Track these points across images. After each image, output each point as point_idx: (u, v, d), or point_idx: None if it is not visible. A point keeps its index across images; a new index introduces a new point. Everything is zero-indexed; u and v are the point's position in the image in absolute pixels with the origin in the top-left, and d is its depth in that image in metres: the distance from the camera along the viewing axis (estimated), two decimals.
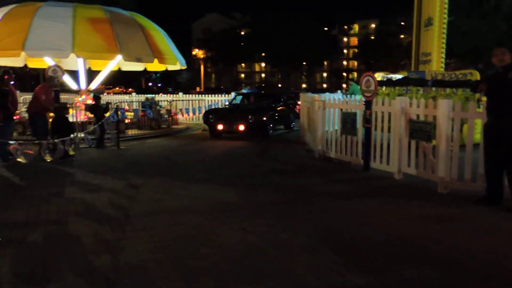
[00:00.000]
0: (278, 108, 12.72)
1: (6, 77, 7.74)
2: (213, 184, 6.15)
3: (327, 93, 13.79)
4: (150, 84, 59.25)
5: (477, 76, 8.66)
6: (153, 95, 15.48)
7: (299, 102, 18.22)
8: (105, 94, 24.07)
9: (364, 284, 2.97)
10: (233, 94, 16.53)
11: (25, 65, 14.27)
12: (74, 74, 13.00)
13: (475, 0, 21.08)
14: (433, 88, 9.11)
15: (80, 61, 12.09)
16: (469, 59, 22.46)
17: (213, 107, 14.84)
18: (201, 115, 13.90)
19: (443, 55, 10.16)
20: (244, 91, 18.84)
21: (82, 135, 8.97)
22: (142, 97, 16.43)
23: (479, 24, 20.37)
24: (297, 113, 15.75)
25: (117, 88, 41.01)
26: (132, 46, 11.47)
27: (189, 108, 14.76)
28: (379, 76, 10.29)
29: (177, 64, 13.32)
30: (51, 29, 10.61)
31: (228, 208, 4.87)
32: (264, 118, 11.13)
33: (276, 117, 12.17)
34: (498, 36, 19.76)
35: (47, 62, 11.66)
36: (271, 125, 11.60)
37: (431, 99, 6.14)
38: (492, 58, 4.71)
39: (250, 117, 10.86)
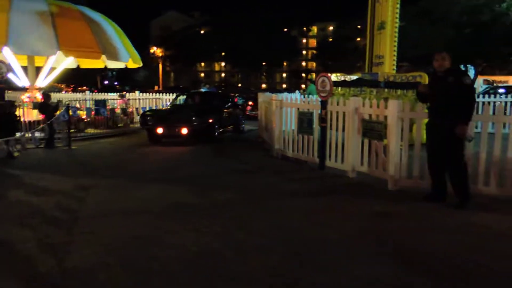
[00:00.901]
0: (226, 110, 11.70)
1: None
2: (168, 184, 6.04)
3: (285, 93, 13.93)
4: (106, 82, 57.41)
5: (425, 78, 9.03)
6: (123, 93, 14.87)
7: (250, 103, 18.25)
8: (64, 92, 23.05)
9: (319, 282, 3.01)
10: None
11: None
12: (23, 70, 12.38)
13: (425, 8, 22.08)
14: (386, 90, 9.43)
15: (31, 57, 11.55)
16: (420, 63, 23.49)
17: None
18: None
19: (395, 58, 10.53)
20: (203, 90, 18.61)
21: (29, 134, 8.54)
22: (107, 96, 15.70)
23: (429, 31, 21.33)
24: (247, 114, 15.72)
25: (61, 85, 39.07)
26: (76, 41, 11.04)
27: (145, 107, 14.42)
28: (336, 77, 10.52)
29: (129, 61, 12.96)
30: (33, 25, 10.40)
31: (182, 208, 4.79)
32: (211, 121, 10.08)
33: (224, 119, 11.15)
34: (447, 42, 20.78)
35: None
36: (218, 128, 10.52)
37: (382, 100, 6.34)
38: (433, 62, 4.90)
39: (194, 119, 9.74)
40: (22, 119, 9.36)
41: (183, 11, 73.26)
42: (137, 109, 14.21)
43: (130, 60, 12.72)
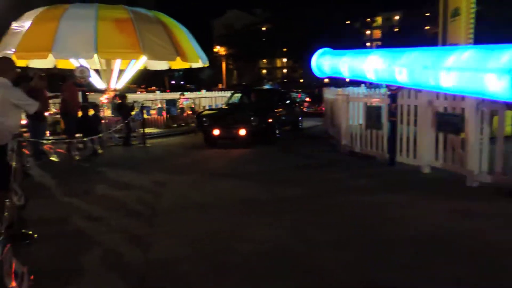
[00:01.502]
0: (285, 108, 10.97)
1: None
2: (238, 180, 6.21)
3: (351, 87, 13.62)
4: (172, 82, 59.89)
5: None
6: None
7: (307, 99, 18.14)
8: (138, 93, 24.32)
9: (393, 280, 2.95)
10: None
11: (55, 66, 14.67)
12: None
13: None
14: None
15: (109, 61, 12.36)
16: None
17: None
18: None
19: None
20: (266, 87, 18.74)
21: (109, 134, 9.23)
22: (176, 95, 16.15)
23: (510, 13, 19.65)
24: (304, 111, 15.43)
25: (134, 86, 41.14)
26: (155, 46, 11.59)
27: (211, 105, 14.89)
28: None
29: (199, 61, 13.41)
30: (76, 31, 10.86)
31: (254, 203, 4.90)
32: (270, 120, 9.37)
33: (283, 118, 10.52)
34: None
35: (73, 63, 11.97)
36: (277, 128, 9.87)
37: None
38: None
39: (253, 119, 8.98)
40: (102, 119, 10.09)
41: (245, 9, 74.12)
42: (203, 106, 14.72)
43: (178, 59, 12.31)
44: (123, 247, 3.69)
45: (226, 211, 4.65)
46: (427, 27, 43.47)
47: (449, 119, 5.74)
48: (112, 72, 12.93)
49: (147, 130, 10.68)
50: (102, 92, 13.33)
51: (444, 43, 10.51)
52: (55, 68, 13.38)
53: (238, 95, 11.95)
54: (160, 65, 14.32)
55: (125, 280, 3.08)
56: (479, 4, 11.58)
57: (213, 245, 3.65)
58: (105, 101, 12.35)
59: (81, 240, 3.89)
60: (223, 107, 11.07)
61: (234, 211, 4.62)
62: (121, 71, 13.23)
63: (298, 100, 15.73)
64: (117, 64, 12.69)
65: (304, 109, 16.16)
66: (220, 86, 49.97)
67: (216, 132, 9.17)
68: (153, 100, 14.44)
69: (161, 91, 23.68)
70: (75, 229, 4.18)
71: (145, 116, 11.14)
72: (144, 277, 3.11)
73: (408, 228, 3.95)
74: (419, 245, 3.55)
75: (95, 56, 11.01)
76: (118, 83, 13.36)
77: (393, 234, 3.81)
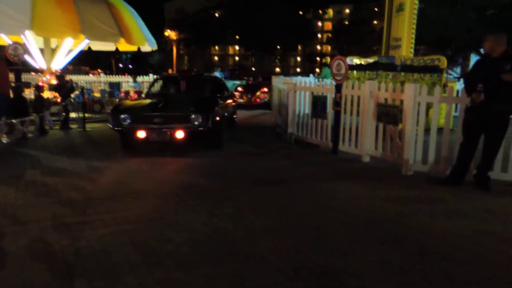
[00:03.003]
0: (224, 100, 8.48)
1: None
2: (178, 165, 6.07)
3: (299, 77, 13.78)
4: (120, 65, 57.67)
5: (444, 62, 8.82)
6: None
7: (239, 89, 16.59)
8: (91, 75, 23.05)
9: (327, 265, 3.00)
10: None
11: None
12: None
13: None
14: (402, 73, 9.24)
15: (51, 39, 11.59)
16: (437, 46, 22.91)
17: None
18: None
19: (413, 41, 10.28)
20: (216, 73, 18.39)
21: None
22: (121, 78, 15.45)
23: (449, 13, 20.71)
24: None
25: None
26: (96, 25, 10.98)
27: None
28: (351, 60, 10.34)
29: (145, 44, 12.94)
30: (7, 3, 10.04)
31: (194, 190, 4.80)
32: (217, 119, 7.01)
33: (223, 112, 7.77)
34: (467, 25, 20.17)
35: (4, 39, 11.11)
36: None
37: (399, 84, 6.22)
38: (485, 44, 4.68)
39: (194, 116, 6.64)
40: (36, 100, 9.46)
41: None
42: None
43: (122, 40, 11.87)
44: (52, 235, 3.48)
45: (164, 198, 4.52)
46: (375, 22, 44.95)
47: (389, 110, 5.94)
48: (58, 51, 12.17)
49: (88, 114, 10.17)
50: (40, 72, 12.53)
51: (388, 37, 10.89)
52: None
53: (165, 83, 9.21)
54: (105, 46, 13.65)
55: (52, 270, 2.90)
56: (421, 1, 12.10)
57: (148, 234, 3.53)
58: (45, 82, 11.61)
59: (5, 228, 3.62)
60: (145, 100, 7.95)
61: (172, 199, 4.49)
62: (61, 50, 12.49)
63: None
64: (65, 44, 11.95)
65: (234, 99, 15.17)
66: (170, 71, 48.80)
67: (141, 134, 6.61)
68: (96, 82, 13.77)
69: (107, 74, 22.63)
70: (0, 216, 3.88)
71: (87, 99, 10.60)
72: (73, 267, 2.94)
73: (345, 214, 4.04)
74: (354, 230, 3.64)
75: (29, 32, 10.26)
76: (59, 63, 12.61)
77: (331, 220, 3.88)
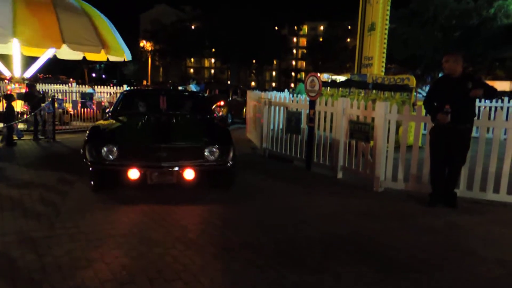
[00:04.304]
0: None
1: None
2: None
3: (274, 92, 13.90)
4: (93, 75, 56.72)
5: (413, 81, 9.13)
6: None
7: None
8: (70, 84, 22.45)
9: (301, 281, 3.02)
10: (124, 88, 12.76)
11: None
12: (6, 59, 12.14)
13: (414, 11, 22.31)
14: (374, 91, 9.50)
15: (16, 46, 11.27)
16: (408, 65, 23.72)
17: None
18: None
19: (384, 60, 10.62)
20: (192, 86, 18.16)
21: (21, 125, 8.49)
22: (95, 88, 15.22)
23: (418, 33, 21.56)
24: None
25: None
26: (77, 35, 10.85)
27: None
28: (324, 77, 10.56)
29: (123, 56, 12.82)
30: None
31: (163, 201, 4.74)
32: (231, 153, 5.19)
33: None
34: (435, 44, 21.03)
35: None
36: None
37: (370, 101, 6.38)
38: (444, 64, 4.80)
39: (211, 149, 5.04)
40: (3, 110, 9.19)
41: (174, 5, 72.74)
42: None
43: (103, 52, 11.86)
44: (16, 250, 3.35)
45: (134, 211, 4.44)
46: (348, 39, 46.15)
47: (361, 127, 6.09)
48: (19, 59, 11.86)
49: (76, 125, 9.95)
50: (8, 80, 12.16)
51: (361, 55, 11.20)
52: None
53: (139, 98, 6.80)
54: (73, 55, 13.39)
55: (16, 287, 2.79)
56: (392, 21, 12.54)
57: (118, 249, 3.46)
58: (16, 90, 11.27)
59: None
60: (121, 119, 5.96)
61: (143, 210, 4.43)
62: (31, 58, 12.20)
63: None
64: (17, 49, 11.66)
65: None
66: (144, 82, 48.37)
67: (133, 174, 4.79)
68: (68, 92, 13.47)
69: (79, 84, 22.18)
70: None
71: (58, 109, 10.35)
72: (39, 284, 2.84)
73: (317, 230, 4.09)
74: (327, 246, 3.68)
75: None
76: (27, 71, 12.29)
77: (303, 236, 3.91)
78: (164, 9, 72.48)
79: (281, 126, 8.01)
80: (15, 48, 11.46)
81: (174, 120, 6.00)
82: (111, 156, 4.85)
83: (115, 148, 4.85)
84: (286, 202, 5.05)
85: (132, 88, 13.38)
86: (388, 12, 10.31)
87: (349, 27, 45.71)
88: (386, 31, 10.40)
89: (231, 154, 5.15)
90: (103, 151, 4.84)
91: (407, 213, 4.77)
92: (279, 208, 4.78)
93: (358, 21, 11.34)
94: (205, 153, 5.02)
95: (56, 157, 7.62)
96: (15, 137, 8.63)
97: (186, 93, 8.54)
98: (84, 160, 4.95)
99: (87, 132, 5.28)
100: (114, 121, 5.79)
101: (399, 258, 3.48)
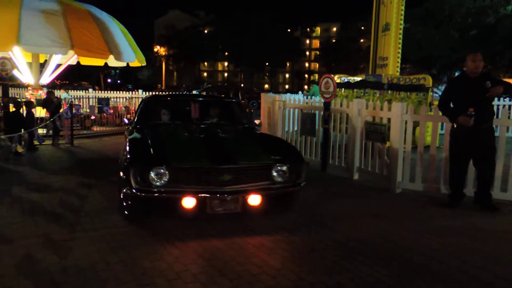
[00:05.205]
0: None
1: None
2: None
3: (288, 94, 13.91)
4: (109, 80, 57.59)
5: (430, 81, 9.03)
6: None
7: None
8: (91, 90, 22.80)
9: (318, 282, 3.01)
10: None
11: None
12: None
13: (429, 10, 22.03)
14: (389, 91, 9.42)
15: (35, 54, 11.59)
16: (422, 65, 23.42)
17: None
18: None
19: (399, 60, 10.52)
20: (195, 91, 18.07)
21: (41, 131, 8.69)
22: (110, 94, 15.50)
23: (433, 33, 21.28)
24: None
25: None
26: (86, 41, 11.06)
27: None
28: (338, 78, 10.52)
29: (135, 61, 13.02)
30: (44, 24, 10.40)
31: None
32: (303, 172, 4.41)
33: None
34: (451, 44, 20.72)
35: None
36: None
37: (386, 102, 6.34)
38: (469, 63, 4.64)
39: (281, 168, 4.23)
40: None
41: (187, 11, 73.46)
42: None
43: (136, 60, 12.77)
44: (39, 253, 3.42)
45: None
46: (362, 40, 45.85)
47: (377, 128, 6.04)
48: (47, 66, 12.18)
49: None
50: (25, 87, 12.46)
51: (375, 56, 11.12)
52: None
53: (163, 106, 5.78)
54: (95, 60, 13.71)
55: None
56: (406, 21, 12.42)
57: (137, 252, 3.50)
58: (29, 96, 11.54)
59: None
60: (157, 132, 4.97)
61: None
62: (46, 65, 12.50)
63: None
64: (55, 58, 12.01)
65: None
66: (159, 86, 48.89)
67: (188, 202, 3.91)
68: (86, 98, 13.72)
69: (95, 89, 22.56)
70: None
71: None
72: (60, 285, 2.89)
73: (335, 232, 4.06)
74: (345, 248, 3.66)
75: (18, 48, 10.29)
76: (46, 78, 12.57)
77: (320, 238, 3.90)
78: (178, 14, 73.20)
79: (295, 128, 8.00)
80: (34, 56, 11.75)
81: (221, 133, 5.01)
82: (160, 181, 3.90)
83: (166, 171, 3.89)
84: (300, 204, 5.02)
85: (156, 93, 13.28)
86: (403, 12, 10.22)
87: (362, 28, 45.41)
88: (401, 31, 10.31)
89: (303, 173, 4.35)
90: (151, 175, 3.87)
91: (426, 214, 4.71)
92: (293, 210, 4.76)
93: (371, 22, 11.27)
94: (273, 173, 4.16)
95: (77, 161, 7.75)
96: (36, 142, 8.81)
97: (218, 99, 7.77)
98: (125, 186, 4.01)
99: (127, 150, 4.24)
100: (151, 135, 4.67)
101: (419, 261, 3.44)
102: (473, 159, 4.84)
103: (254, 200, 4.05)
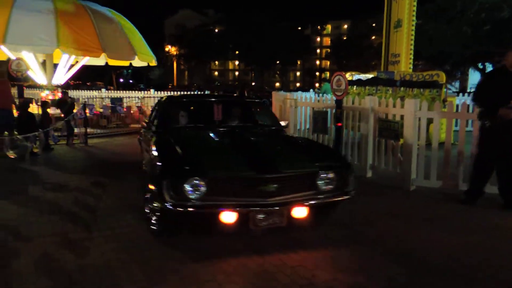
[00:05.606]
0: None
1: None
2: None
3: (299, 92, 13.87)
4: (121, 80, 58.09)
5: (443, 77, 8.91)
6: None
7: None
8: (104, 90, 22.94)
9: (334, 279, 3.00)
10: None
11: None
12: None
13: (441, 6, 21.73)
14: (402, 88, 9.33)
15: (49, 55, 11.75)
16: (435, 62, 23.12)
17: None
18: None
19: (411, 56, 10.41)
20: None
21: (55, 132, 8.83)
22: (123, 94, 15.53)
23: (445, 29, 21.00)
24: None
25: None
26: (115, 44, 11.21)
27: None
28: (350, 75, 10.45)
29: (153, 61, 13.15)
30: (33, 23, 10.28)
31: None
32: (351, 179, 3.97)
33: None
34: (463, 40, 20.42)
35: (8, 55, 11.24)
36: None
37: (398, 99, 6.28)
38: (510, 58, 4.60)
39: (327, 174, 3.78)
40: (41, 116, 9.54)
41: (197, 10, 73.65)
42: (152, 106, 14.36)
43: (137, 58, 12.37)
44: (55, 252, 3.48)
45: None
46: (373, 37, 45.45)
47: (389, 125, 5.99)
48: (59, 66, 12.35)
49: (90, 130, 10.21)
50: (40, 87, 12.64)
51: (387, 53, 11.02)
52: None
53: (181, 108, 5.43)
54: (96, 60, 13.78)
55: (55, 287, 2.90)
56: (418, 17, 12.27)
57: (150, 251, 3.53)
58: (50, 97, 11.71)
59: (9, 244, 3.62)
60: (184, 136, 4.53)
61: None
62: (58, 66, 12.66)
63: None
64: (67, 58, 12.16)
65: None
66: (170, 86, 49.14)
67: (229, 217, 3.47)
68: (98, 98, 13.87)
69: (108, 89, 22.80)
70: (3, 232, 3.89)
71: (88, 114, 10.66)
72: (76, 284, 2.94)
73: (349, 230, 4.05)
74: (360, 246, 3.64)
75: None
76: (60, 78, 12.73)
77: (335, 235, 3.88)
78: (188, 14, 73.43)
79: (307, 126, 7.98)
80: (48, 56, 11.91)
81: (252, 137, 4.57)
82: (196, 194, 3.41)
83: (203, 182, 3.41)
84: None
85: (172, 93, 13.17)
86: (415, 8, 10.10)
87: (373, 25, 44.98)
88: (413, 27, 10.19)
89: (351, 180, 3.92)
90: (186, 187, 3.40)
91: (442, 212, 4.66)
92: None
93: (383, 19, 11.16)
94: (318, 182, 3.71)
95: (91, 161, 7.85)
96: (51, 142, 8.94)
97: (241, 99, 7.29)
98: (155, 200, 3.62)
99: (156, 159, 3.81)
100: (179, 142, 4.14)
101: (433, 259, 3.41)
102: (502, 156, 4.70)
103: (300, 212, 3.61)
